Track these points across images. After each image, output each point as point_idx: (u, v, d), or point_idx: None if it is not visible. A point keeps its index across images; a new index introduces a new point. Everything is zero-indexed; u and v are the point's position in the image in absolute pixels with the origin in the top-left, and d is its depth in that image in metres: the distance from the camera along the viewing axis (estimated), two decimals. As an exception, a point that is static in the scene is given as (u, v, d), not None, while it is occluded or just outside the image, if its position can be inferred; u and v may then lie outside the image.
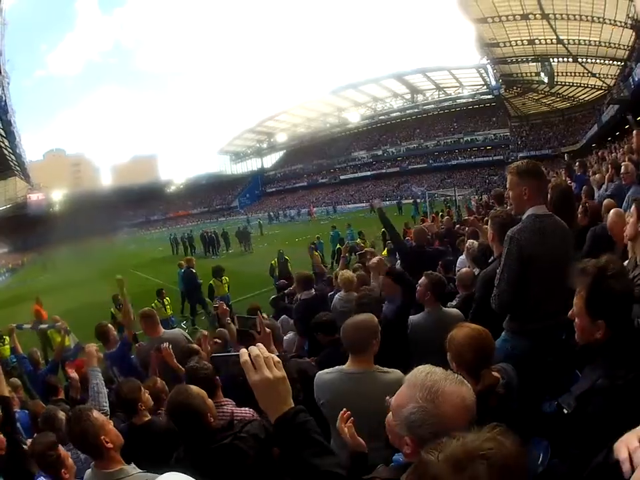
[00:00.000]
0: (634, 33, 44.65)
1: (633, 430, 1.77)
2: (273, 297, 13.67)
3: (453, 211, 35.07)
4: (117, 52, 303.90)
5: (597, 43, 52.87)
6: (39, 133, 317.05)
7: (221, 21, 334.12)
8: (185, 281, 20.84)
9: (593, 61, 59.12)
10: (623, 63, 52.15)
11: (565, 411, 2.78)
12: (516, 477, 1.47)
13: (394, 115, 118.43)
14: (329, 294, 9.48)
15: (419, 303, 6.17)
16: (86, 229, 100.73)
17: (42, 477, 4.42)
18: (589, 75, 64.78)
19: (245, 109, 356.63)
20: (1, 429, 4.99)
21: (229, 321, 7.32)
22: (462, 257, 9.59)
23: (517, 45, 63.15)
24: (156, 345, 7.17)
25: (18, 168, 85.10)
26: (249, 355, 2.16)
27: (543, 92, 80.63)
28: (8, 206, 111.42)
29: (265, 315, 6.75)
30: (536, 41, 59.89)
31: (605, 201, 6.97)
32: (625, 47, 49.45)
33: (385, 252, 14.62)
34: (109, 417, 5.17)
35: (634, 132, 11.17)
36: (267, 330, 4.44)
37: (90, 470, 3.96)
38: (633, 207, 4.45)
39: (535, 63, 65.80)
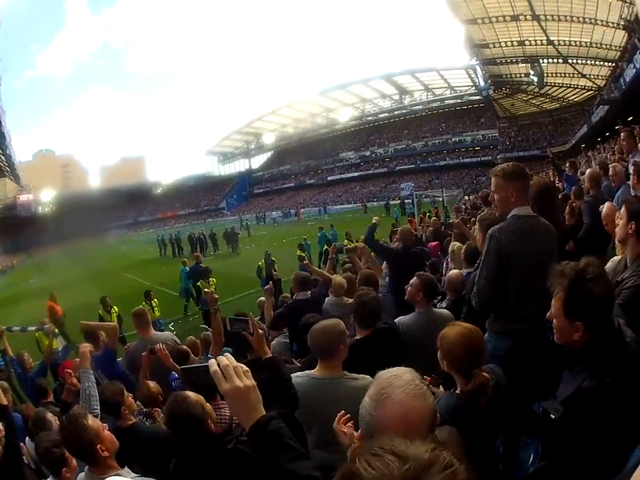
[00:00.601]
0: (626, 34, 44.77)
1: None
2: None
3: (440, 211, 34.82)
4: (106, 53, 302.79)
5: (588, 43, 53.16)
6: (27, 134, 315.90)
7: (209, 22, 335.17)
8: (194, 276, 21.02)
9: (584, 61, 59.48)
10: (614, 64, 52.35)
11: (553, 416, 2.81)
12: None
13: (382, 115, 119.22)
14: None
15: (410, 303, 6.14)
16: (75, 230, 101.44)
17: None
18: (579, 75, 65.23)
19: (233, 109, 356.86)
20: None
21: (216, 309, 7.14)
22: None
23: (506, 45, 63.37)
24: (147, 345, 7.20)
25: (8, 169, 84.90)
26: (219, 365, 2.18)
27: (532, 93, 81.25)
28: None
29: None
30: (526, 42, 60.10)
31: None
32: (617, 48, 49.71)
33: (372, 254, 14.50)
34: (99, 419, 4.89)
35: (622, 133, 10.99)
36: (260, 331, 4.18)
37: (84, 474, 3.92)
38: (623, 208, 4.40)
39: (524, 64, 65.93)
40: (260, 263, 22.71)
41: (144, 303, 16.69)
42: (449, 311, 6.14)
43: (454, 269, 8.13)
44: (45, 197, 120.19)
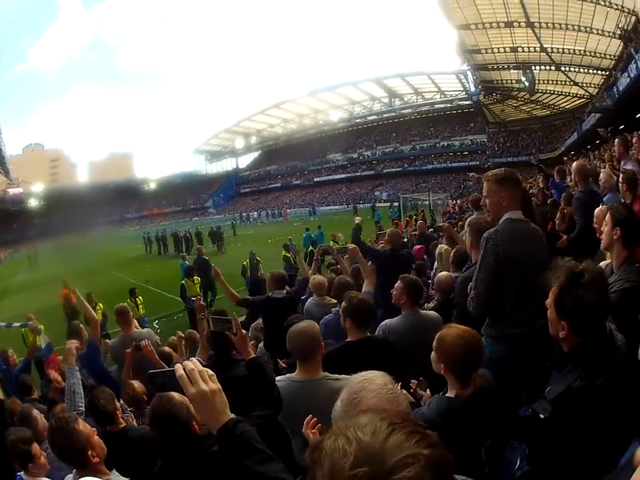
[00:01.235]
0: (622, 43, 45.16)
1: None
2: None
3: (426, 214, 34.93)
4: (97, 48, 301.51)
5: (582, 52, 53.58)
6: (17, 127, 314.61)
7: (199, 21, 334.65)
8: (199, 268, 21.01)
9: (576, 69, 59.95)
10: (607, 73, 52.75)
11: (542, 416, 2.79)
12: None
13: (370, 118, 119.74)
14: (302, 297, 9.59)
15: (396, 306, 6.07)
16: (61, 225, 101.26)
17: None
18: (571, 83, 65.65)
19: (222, 108, 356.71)
20: None
21: (203, 317, 7.04)
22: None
23: (499, 52, 63.59)
24: (127, 342, 7.37)
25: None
26: (184, 370, 2.22)
27: (522, 99, 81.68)
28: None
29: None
30: (519, 48, 60.35)
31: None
32: (612, 57, 50.11)
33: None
34: (84, 416, 5.03)
35: (616, 140, 11.03)
36: (243, 331, 4.24)
37: (71, 476, 3.86)
38: (608, 214, 4.44)
39: (516, 70, 66.05)
40: (245, 263, 22.46)
41: (129, 300, 16.53)
42: (437, 312, 6.09)
43: (441, 271, 8.05)
44: (34, 191, 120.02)
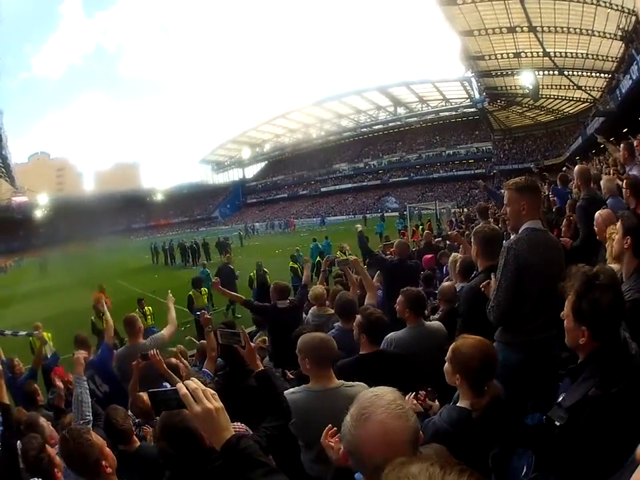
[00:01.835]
0: (623, 45, 44.99)
1: None
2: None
3: (432, 224, 34.79)
4: (99, 57, 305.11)
5: (585, 55, 53.24)
6: (23, 136, 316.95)
7: (205, 31, 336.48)
8: (223, 276, 20.82)
9: (579, 73, 59.59)
10: (610, 75, 52.62)
11: (557, 423, 2.76)
12: None
13: (376, 127, 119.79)
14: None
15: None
16: (68, 234, 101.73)
17: None
18: (575, 87, 65.24)
19: (228, 118, 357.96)
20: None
21: (210, 330, 7.12)
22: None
23: (502, 57, 63.28)
24: (133, 353, 7.27)
25: (3, 170, 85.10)
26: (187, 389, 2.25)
27: (527, 105, 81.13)
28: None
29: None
30: (522, 53, 60.00)
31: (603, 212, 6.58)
32: (614, 59, 49.84)
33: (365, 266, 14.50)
34: (91, 426, 5.12)
35: (621, 145, 10.95)
36: (252, 344, 4.19)
37: None
38: (619, 223, 4.42)
39: (519, 76, 65.93)
40: (251, 274, 22.66)
41: (137, 310, 16.53)
42: (443, 322, 6.12)
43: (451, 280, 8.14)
44: (40, 201, 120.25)
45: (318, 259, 26.06)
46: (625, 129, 33.27)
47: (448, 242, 15.80)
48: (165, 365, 6.40)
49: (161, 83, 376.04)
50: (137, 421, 5.87)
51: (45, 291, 39.61)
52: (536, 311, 4.31)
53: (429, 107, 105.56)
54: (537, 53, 57.73)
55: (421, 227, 31.59)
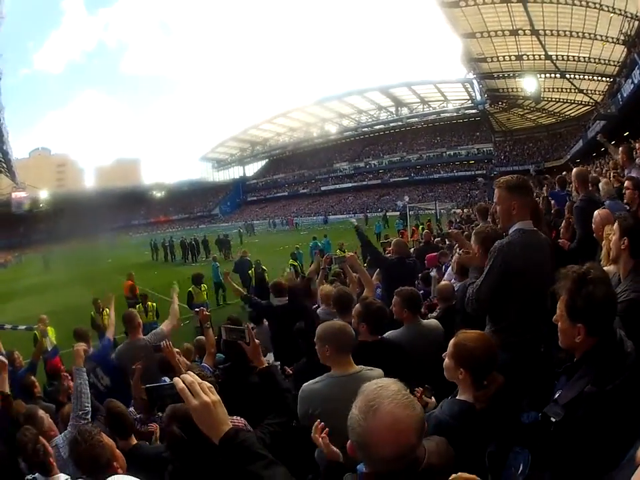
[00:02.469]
0: (626, 49, 44.85)
1: None
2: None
3: (432, 224, 34.81)
4: (100, 53, 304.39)
5: (587, 59, 53.26)
6: (24, 132, 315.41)
7: (207, 28, 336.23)
8: (241, 269, 23.41)
9: (581, 77, 59.59)
10: (611, 79, 52.60)
11: (553, 419, 2.80)
12: None
13: (377, 127, 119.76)
14: (313, 307, 9.32)
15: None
16: (68, 230, 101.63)
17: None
18: (576, 90, 65.33)
19: (229, 116, 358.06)
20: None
21: (208, 326, 7.31)
22: (449, 271, 9.79)
23: (504, 60, 63.30)
24: (133, 348, 7.69)
25: (4, 165, 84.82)
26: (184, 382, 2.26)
27: (528, 107, 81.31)
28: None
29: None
30: (524, 56, 60.02)
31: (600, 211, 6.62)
32: (615, 63, 49.85)
33: (365, 265, 14.51)
34: (89, 418, 5.36)
35: (620, 148, 11.00)
36: (257, 341, 4.26)
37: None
38: (616, 224, 4.44)
39: (521, 79, 65.90)
40: (250, 272, 22.93)
41: (139, 305, 16.73)
42: (440, 320, 6.20)
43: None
44: (41, 196, 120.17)
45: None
46: (626, 133, 33.33)
47: (447, 241, 15.89)
48: (176, 358, 6.38)
49: (163, 80, 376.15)
50: (137, 417, 5.94)
51: (45, 286, 39.65)
52: (524, 312, 4.38)
53: (430, 108, 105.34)
54: (539, 55, 57.82)
55: (421, 226, 31.62)
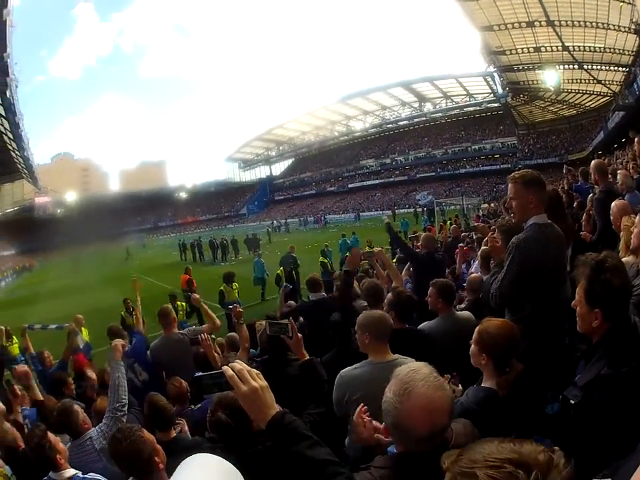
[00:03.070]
0: (638, 38, 44.65)
1: None
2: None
3: (460, 219, 34.78)
4: (117, 58, 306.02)
5: (602, 49, 52.76)
6: (46, 137, 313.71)
7: (229, 27, 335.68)
8: (285, 263, 24.06)
9: (599, 67, 58.83)
10: (627, 69, 52.14)
11: (572, 401, 2.90)
12: None
13: (402, 123, 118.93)
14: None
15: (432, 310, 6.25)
16: (95, 232, 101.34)
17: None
18: (595, 81, 64.49)
19: (254, 116, 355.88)
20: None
21: (242, 322, 7.28)
22: (476, 265, 9.78)
23: (522, 52, 63.02)
24: (169, 343, 7.84)
25: (25, 171, 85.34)
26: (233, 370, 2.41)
27: (549, 99, 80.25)
28: (15, 208, 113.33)
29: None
30: (542, 48, 59.71)
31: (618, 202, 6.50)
32: (630, 53, 49.41)
33: (394, 261, 14.80)
34: (126, 410, 5.51)
35: (636, 139, 11.29)
36: (299, 335, 4.44)
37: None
38: (638, 217, 4.62)
39: (541, 71, 65.75)
40: (279, 271, 23.16)
41: (169, 304, 16.96)
42: (470, 312, 6.30)
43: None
44: (64, 200, 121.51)
45: (347, 253, 26.58)
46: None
47: (475, 235, 15.87)
48: (213, 351, 6.68)
49: (183, 82, 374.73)
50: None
51: (73, 289, 39.87)
52: (541, 304, 4.44)
53: (453, 102, 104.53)
54: (556, 47, 57.58)
55: (448, 221, 31.50)
